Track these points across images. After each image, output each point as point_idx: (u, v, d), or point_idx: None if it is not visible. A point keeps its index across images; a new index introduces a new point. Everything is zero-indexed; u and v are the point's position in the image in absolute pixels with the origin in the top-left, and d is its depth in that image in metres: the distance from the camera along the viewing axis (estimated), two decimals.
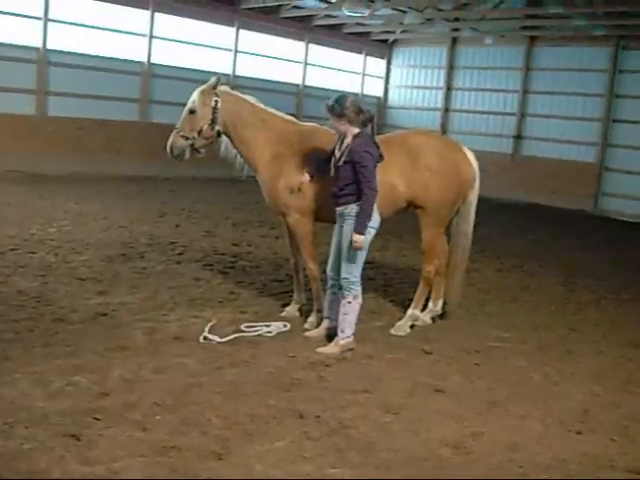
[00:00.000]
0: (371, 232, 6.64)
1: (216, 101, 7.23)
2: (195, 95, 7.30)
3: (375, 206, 6.58)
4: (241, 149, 7.50)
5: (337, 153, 6.72)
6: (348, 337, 6.70)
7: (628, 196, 22.95)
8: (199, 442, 4.53)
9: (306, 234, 7.31)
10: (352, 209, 6.54)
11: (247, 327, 7.03)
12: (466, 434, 5.05)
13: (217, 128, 7.33)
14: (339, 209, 6.68)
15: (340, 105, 6.49)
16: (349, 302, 6.66)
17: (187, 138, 7.28)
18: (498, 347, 7.31)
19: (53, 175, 18.52)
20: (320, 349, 6.66)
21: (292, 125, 7.63)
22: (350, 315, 6.68)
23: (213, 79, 7.34)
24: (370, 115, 6.64)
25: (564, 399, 5.98)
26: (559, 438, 5.18)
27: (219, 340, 6.58)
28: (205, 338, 6.61)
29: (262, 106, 7.54)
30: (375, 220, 6.65)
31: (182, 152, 7.34)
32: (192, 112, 7.27)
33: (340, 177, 6.60)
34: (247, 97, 7.56)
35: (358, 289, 6.70)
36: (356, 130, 6.57)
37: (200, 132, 7.27)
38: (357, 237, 6.43)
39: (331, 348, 6.66)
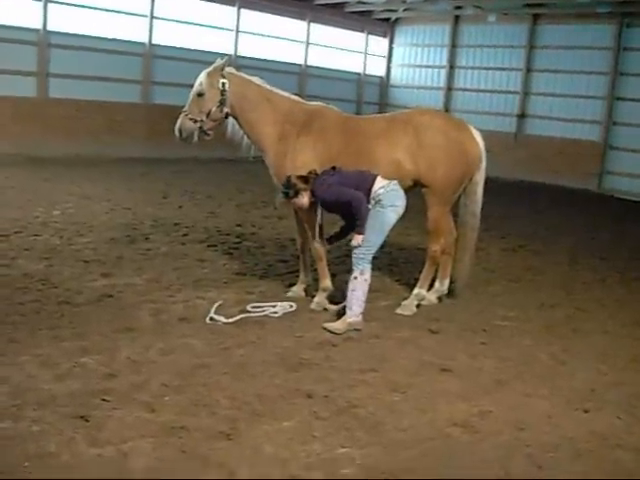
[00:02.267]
0: (397, 211, 6.79)
1: (224, 83, 7.26)
2: (202, 77, 7.32)
3: (398, 186, 6.83)
4: (248, 130, 7.54)
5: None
6: (356, 316, 6.71)
7: (632, 175, 22.82)
8: (208, 423, 4.54)
9: (312, 214, 7.30)
10: (376, 194, 6.69)
11: (253, 307, 7.02)
12: (474, 413, 5.06)
13: (226, 110, 7.35)
14: None
15: (291, 187, 6.79)
16: (355, 277, 6.70)
17: (195, 121, 7.33)
18: (504, 326, 7.31)
19: (55, 157, 18.49)
20: (327, 324, 6.71)
21: (299, 105, 7.67)
22: (358, 292, 6.69)
23: (221, 60, 7.36)
24: (313, 172, 6.87)
25: (571, 378, 5.99)
26: (566, 417, 5.19)
27: (225, 321, 6.58)
28: (211, 319, 6.61)
29: (268, 87, 7.58)
30: (401, 197, 6.81)
31: (191, 135, 7.39)
32: (200, 94, 7.30)
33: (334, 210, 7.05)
34: (253, 78, 7.59)
35: (367, 266, 6.72)
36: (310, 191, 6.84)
37: (208, 114, 7.31)
38: (357, 237, 6.65)
39: (338, 324, 6.69)
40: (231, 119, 7.56)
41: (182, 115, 7.36)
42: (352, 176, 6.82)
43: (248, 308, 7.00)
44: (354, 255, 6.71)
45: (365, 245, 6.66)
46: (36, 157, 18.15)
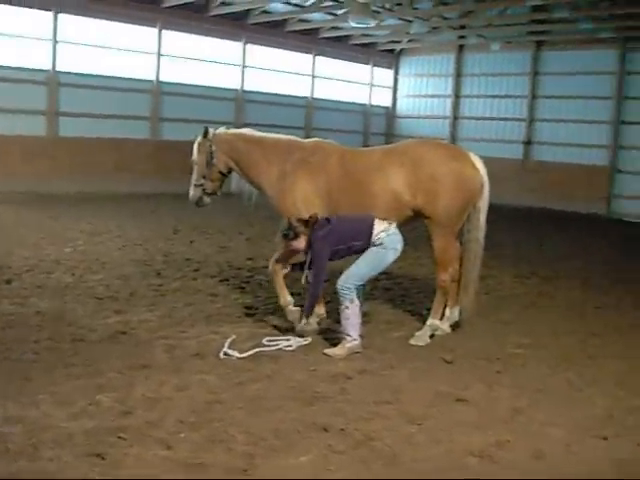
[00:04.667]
0: (396, 253, 6.98)
1: (210, 146, 7.88)
2: (194, 147, 7.99)
3: (398, 230, 7.00)
4: (247, 178, 8.06)
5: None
6: (355, 340, 6.87)
7: None
8: (224, 458, 4.52)
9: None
10: (378, 238, 6.82)
11: (268, 341, 7.02)
12: (491, 443, 5.00)
13: (219, 169, 7.96)
14: None
15: (292, 229, 6.91)
16: (347, 307, 6.85)
17: (197, 186, 8.03)
18: (518, 354, 7.27)
19: (65, 195, 18.72)
20: (327, 350, 6.88)
21: (295, 143, 8.00)
22: (352, 318, 6.86)
23: (202, 130, 8.03)
24: (314, 216, 6.94)
25: (588, 405, 5.93)
26: (585, 444, 5.12)
27: (239, 356, 6.56)
28: (225, 354, 6.60)
29: (257, 134, 8.05)
30: (401, 241, 6.99)
31: (200, 199, 8.18)
32: (195, 163, 8.01)
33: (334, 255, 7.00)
34: (242, 130, 8.21)
35: (352, 294, 6.86)
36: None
37: (205, 177, 7.97)
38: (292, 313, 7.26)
39: (338, 350, 6.84)
40: (233, 174, 8.12)
41: (191, 184, 8.07)
42: (350, 224, 6.97)
43: (263, 342, 7.00)
44: (342, 288, 6.86)
45: (355, 278, 6.88)
46: (46, 195, 18.39)
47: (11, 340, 6.75)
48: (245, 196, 8.23)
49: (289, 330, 7.50)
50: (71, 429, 4.84)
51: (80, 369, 6.06)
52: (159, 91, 22.02)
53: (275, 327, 7.70)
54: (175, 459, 4.48)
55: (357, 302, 6.87)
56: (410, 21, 23.92)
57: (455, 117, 27.94)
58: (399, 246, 6.96)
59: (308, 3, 22.43)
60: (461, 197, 7.45)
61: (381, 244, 6.81)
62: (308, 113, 26.31)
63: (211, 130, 8.00)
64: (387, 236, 6.84)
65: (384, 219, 7.05)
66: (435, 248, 7.59)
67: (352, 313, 6.83)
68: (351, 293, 6.83)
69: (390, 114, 30.07)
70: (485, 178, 7.65)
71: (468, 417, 5.48)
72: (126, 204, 18.39)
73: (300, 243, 6.91)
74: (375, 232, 6.82)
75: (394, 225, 7.01)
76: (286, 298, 7.65)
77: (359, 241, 6.83)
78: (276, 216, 8.00)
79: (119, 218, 15.55)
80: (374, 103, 29.45)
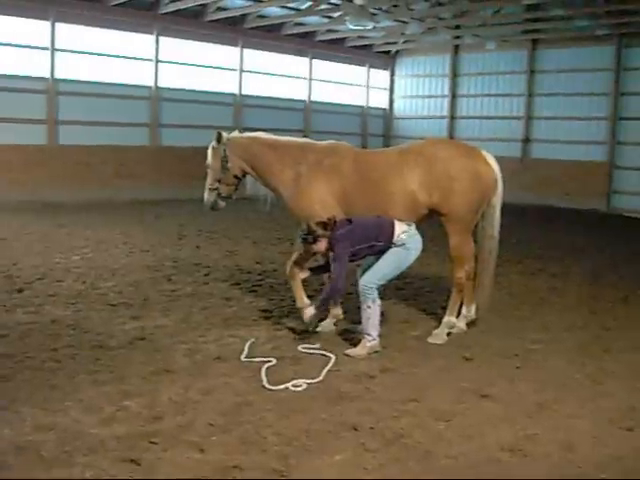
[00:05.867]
0: (417, 253, 7.04)
1: (224, 150, 7.90)
2: (208, 152, 8.05)
3: (417, 231, 7.03)
4: (263, 181, 8.05)
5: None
6: (374, 339, 6.92)
7: None
8: (260, 460, 4.53)
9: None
10: (400, 238, 6.86)
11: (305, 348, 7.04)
12: (520, 437, 5.05)
13: (234, 173, 7.98)
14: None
15: (311, 233, 6.90)
16: (369, 307, 6.89)
17: (212, 190, 8.05)
18: (536, 349, 7.32)
19: (68, 203, 18.74)
20: (348, 351, 6.90)
21: (309, 145, 8.05)
22: (372, 318, 6.91)
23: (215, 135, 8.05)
24: (332, 219, 6.92)
25: (609, 397, 5.98)
26: (611, 435, 5.18)
27: (261, 359, 6.54)
28: (247, 357, 6.62)
29: (272, 137, 8.07)
30: (420, 241, 7.05)
31: (214, 202, 8.17)
32: (208, 167, 8.04)
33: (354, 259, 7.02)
34: (256, 133, 8.15)
35: (374, 294, 6.90)
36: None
37: (220, 181, 7.98)
38: (308, 313, 7.12)
39: (359, 350, 6.89)
40: (248, 177, 8.14)
41: (206, 188, 8.11)
42: (371, 224, 6.98)
43: (299, 349, 7.01)
44: (365, 288, 6.88)
45: (378, 277, 6.91)
46: (49, 203, 18.40)
47: (30, 349, 6.75)
48: (260, 199, 8.24)
49: (305, 332, 7.53)
50: (102, 435, 4.85)
51: (104, 375, 6.08)
52: (158, 97, 22.01)
53: (291, 329, 7.71)
54: (210, 462, 4.49)
55: (379, 302, 6.92)
56: (405, 22, 23.96)
57: (452, 117, 27.97)
58: (419, 245, 7.02)
59: (304, 6, 22.46)
60: (476, 193, 7.51)
61: (403, 244, 6.85)
62: (306, 116, 26.32)
63: (225, 134, 8.02)
64: (408, 237, 6.88)
65: (399, 219, 7.09)
66: (451, 245, 7.65)
67: (373, 313, 6.88)
68: (373, 293, 6.87)
69: (387, 115, 30.12)
70: (499, 174, 7.73)
71: (495, 412, 5.52)
72: (128, 211, 18.41)
73: (321, 246, 6.92)
74: (397, 233, 6.86)
75: (414, 226, 7.06)
76: (303, 300, 7.70)
77: (381, 241, 6.85)
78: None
79: (123, 225, 15.56)
80: (371, 105, 29.48)
